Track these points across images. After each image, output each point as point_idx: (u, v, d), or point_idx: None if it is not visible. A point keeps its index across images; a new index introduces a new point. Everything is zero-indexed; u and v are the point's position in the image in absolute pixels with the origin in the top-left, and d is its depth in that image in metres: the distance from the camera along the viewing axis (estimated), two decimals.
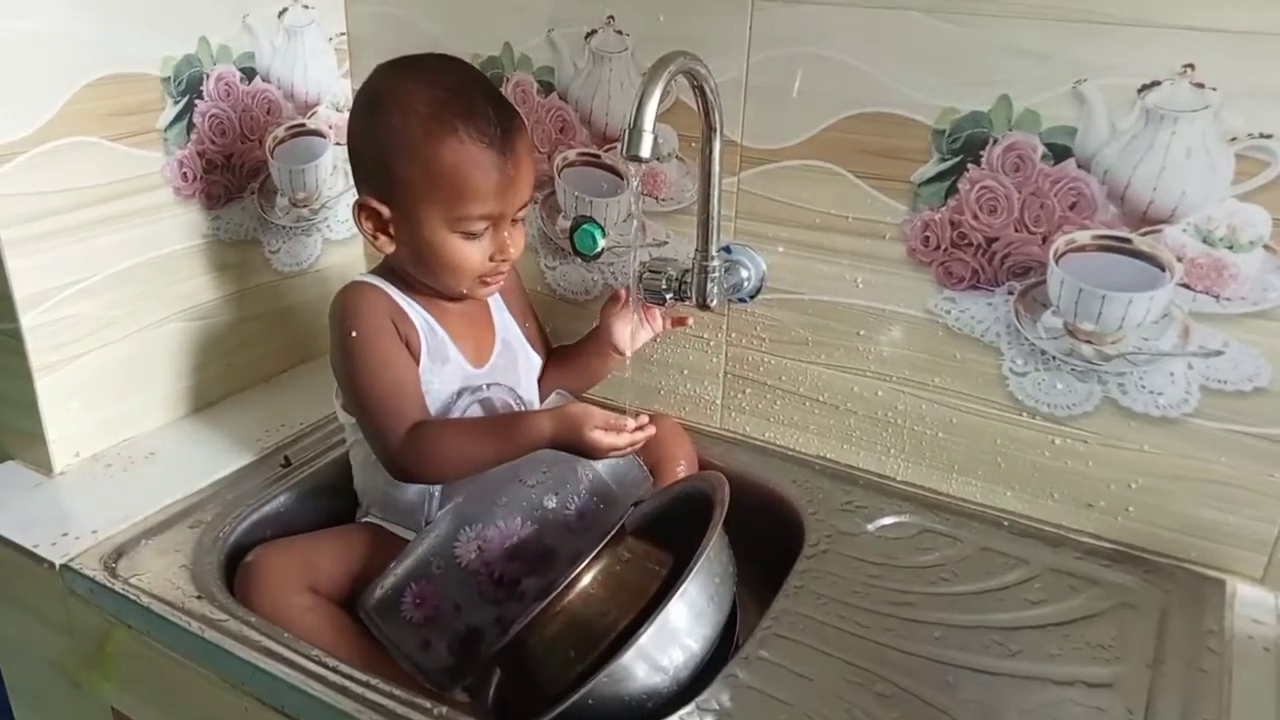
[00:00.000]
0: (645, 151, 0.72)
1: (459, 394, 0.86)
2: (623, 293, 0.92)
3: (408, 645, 0.78)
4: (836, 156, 0.86)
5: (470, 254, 0.81)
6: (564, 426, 0.79)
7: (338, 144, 1.12)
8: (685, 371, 1.02)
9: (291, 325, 1.12)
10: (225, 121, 0.99)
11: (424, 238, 0.80)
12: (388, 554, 0.84)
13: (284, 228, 1.08)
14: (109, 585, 0.78)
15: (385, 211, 0.81)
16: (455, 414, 0.85)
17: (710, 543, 0.71)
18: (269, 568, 0.80)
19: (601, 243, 1.01)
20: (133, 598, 0.76)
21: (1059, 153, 0.76)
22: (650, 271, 0.90)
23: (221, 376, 1.05)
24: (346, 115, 1.11)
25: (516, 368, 0.92)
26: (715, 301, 0.87)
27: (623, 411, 0.80)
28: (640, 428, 0.80)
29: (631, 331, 0.92)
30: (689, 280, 0.88)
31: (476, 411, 0.87)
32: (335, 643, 0.78)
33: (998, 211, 0.80)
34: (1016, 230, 0.80)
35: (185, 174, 0.96)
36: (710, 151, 0.82)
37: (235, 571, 0.82)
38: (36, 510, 0.87)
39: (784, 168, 0.88)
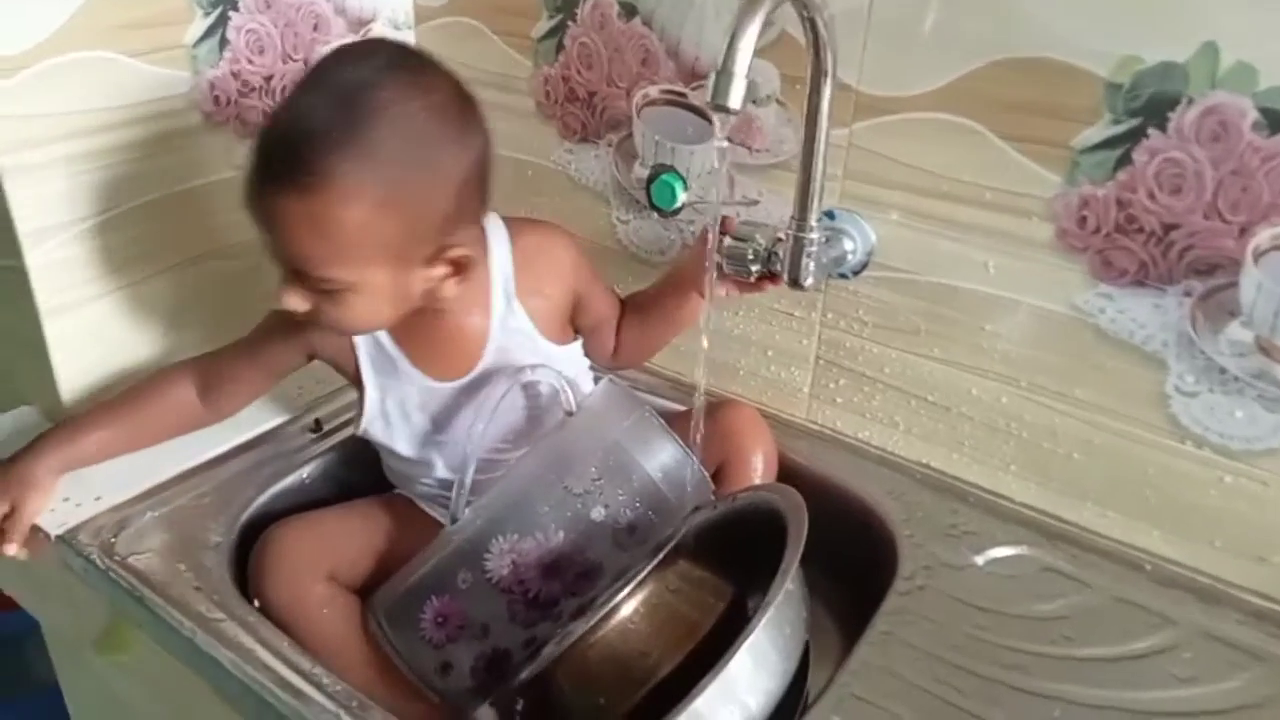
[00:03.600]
0: (735, 101, 0.58)
1: (493, 376, 0.74)
2: (732, 220, 0.77)
3: (424, 666, 0.68)
4: (976, 111, 0.69)
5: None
6: None
7: None
8: (770, 352, 0.88)
9: None
10: (265, 38, 0.87)
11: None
12: (417, 536, 0.74)
13: None
14: (103, 566, 0.69)
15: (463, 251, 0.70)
16: (491, 401, 0.72)
17: (784, 586, 0.58)
18: (285, 551, 0.72)
19: (682, 197, 0.87)
20: (125, 585, 0.68)
21: (1277, 121, 0.59)
22: (736, 239, 0.75)
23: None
24: (406, 34, 0.99)
25: (518, 375, 0.75)
26: (811, 280, 0.73)
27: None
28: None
29: (710, 282, 0.77)
30: (781, 252, 0.73)
31: (516, 397, 0.75)
32: (349, 644, 0.70)
33: (1183, 192, 0.63)
34: (1206, 217, 0.63)
35: (218, 97, 0.85)
36: (818, 99, 0.67)
37: (250, 550, 0.74)
38: None
39: (908, 121, 0.72)
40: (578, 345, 0.81)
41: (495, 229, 0.75)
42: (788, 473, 0.82)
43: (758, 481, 0.81)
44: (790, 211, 0.71)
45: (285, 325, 0.76)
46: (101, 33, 0.75)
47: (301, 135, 0.61)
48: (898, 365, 0.80)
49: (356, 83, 0.62)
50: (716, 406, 0.82)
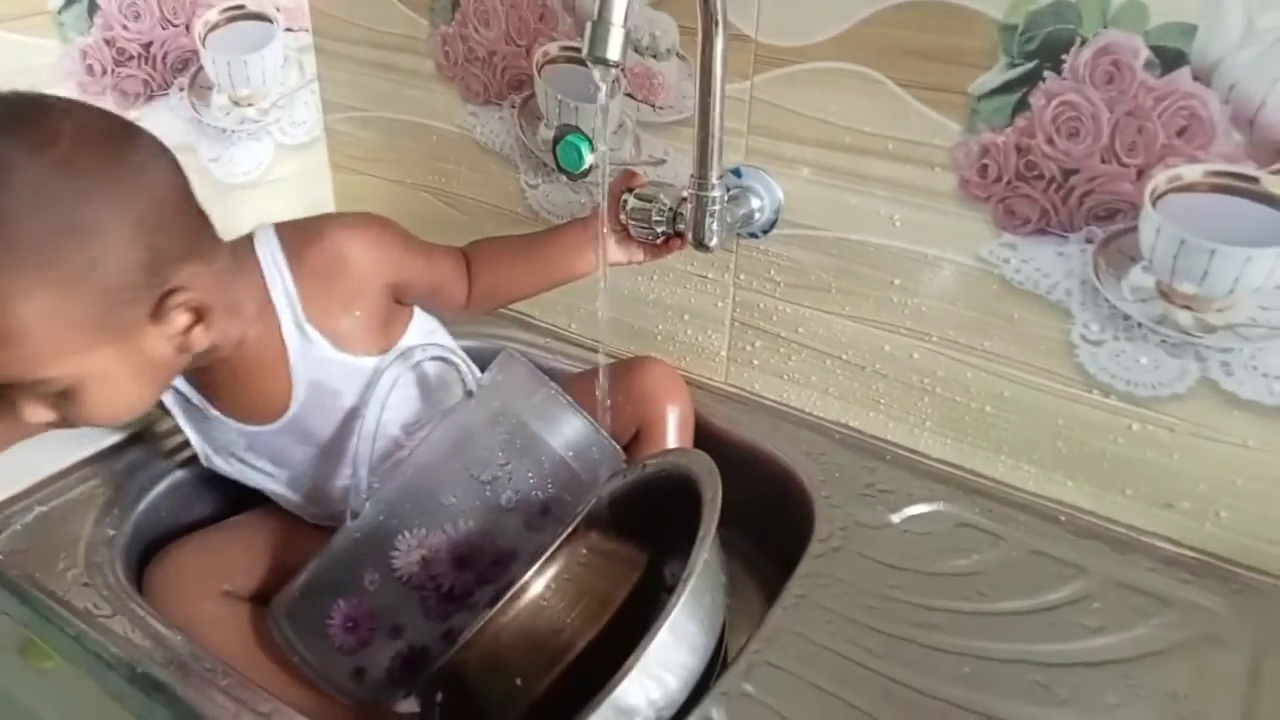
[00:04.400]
0: (615, 53, 0.56)
1: (285, 449, 0.71)
2: (639, 175, 0.74)
3: (338, 675, 0.66)
4: (874, 58, 0.67)
5: None
6: None
7: (289, 30, 0.95)
8: (686, 315, 0.86)
9: None
10: (139, 2, 0.82)
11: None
12: (313, 540, 0.71)
13: (224, 131, 0.93)
14: None
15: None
16: (383, 390, 0.69)
17: (702, 556, 0.56)
18: (175, 572, 0.70)
19: (589, 159, 0.84)
20: (8, 586, 0.65)
21: (1169, 60, 0.57)
22: (640, 199, 0.73)
23: None
24: None
25: (339, 400, 0.69)
26: (716, 240, 0.71)
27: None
28: None
29: (602, 242, 0.73)
30: (685, 212, 0.71)
31: (409, 380, 0.72)
32: (251, 657, 0.68)
33: (1080, 136, 0.61)
34: (1104, 161, 0.61)
35: (91, 66, 0.80)
36: (711, 50, 0.64)
37: (146, 550, 0.71)
38: None
39: (809, 71, 0.70)
40: (412, 327, 0.74)
41: (267, 250, 0.66)
42: (707, 437, 0.81)
43: (673, 440, 0.79)
44: (690, 166, 0.69)
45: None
46: None
47: None
48: (811, 325, 0.79)
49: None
50: (628, 363, 0.80)
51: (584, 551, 0.62)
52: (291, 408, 0.68)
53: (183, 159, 0.88)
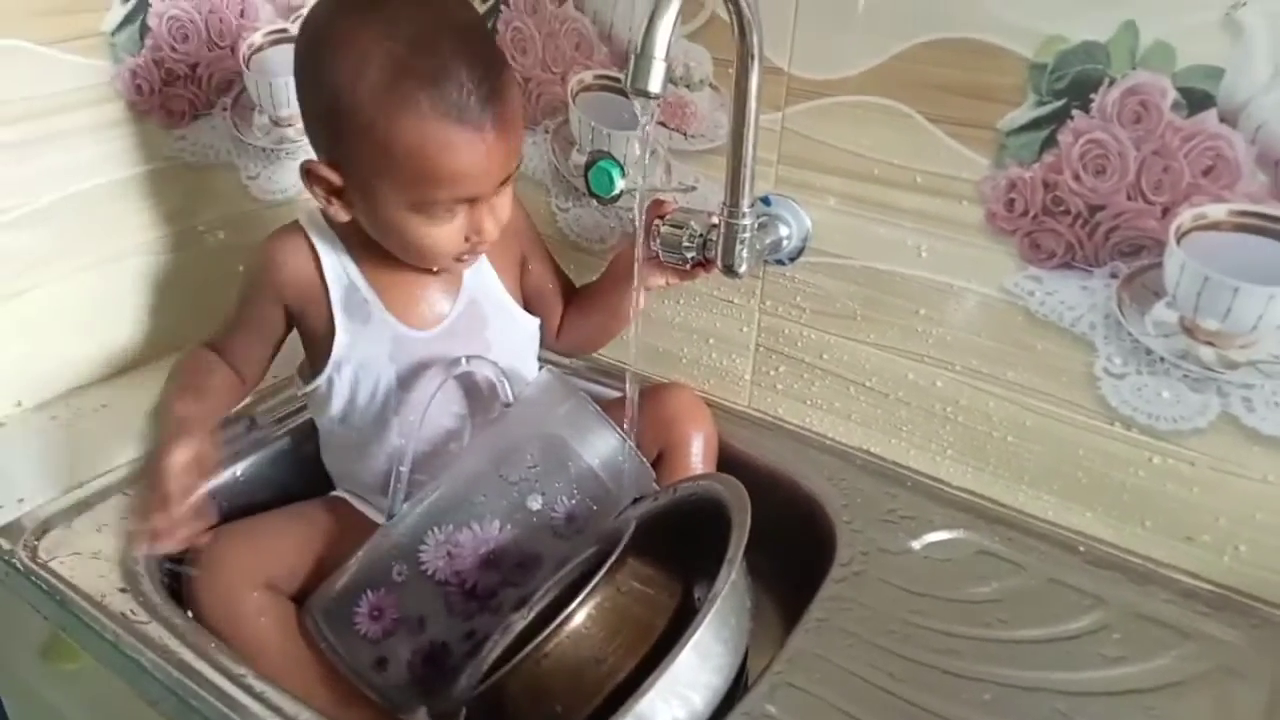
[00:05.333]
0: (656, 85, 0.57)
1: (426, 364, 0.74)
2: (669, 202, 0.76)
3: (360, 661, 0.67)
4: (905, 93, 0.69)
5: (439, 236, 0.67)
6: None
7: None
8: (711, 339, 0.87)
9: None
10: (188, 25, 0.85)
11: (383, 217, 0.67)
12: (356, 537, 0.73)
13: (264, 150, 0.95)
14: (23, 569, 0.68)
15: (335, 179, 0.67)
16: (427, 390, 0.72)
17: (729, 578, 0.57)
18: (218, 561, 0.70)
19: (620, 184, 0.86)
20: (45, 588, 0.66)
21: (1196, 101, 0.59)
22: (670, 225, 0.75)
23: (188, 318, 0.93)
24: None
25: (485, 331, 0.77)
26: (745, 267, 0.72)
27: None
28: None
29: (638, 269, 0.76)
30: (715, 238, 0.73)
31: (453, 390, 0.74)
32: (286, 652, 0.69)
33: (1107, 173, 0.63)
34: (1129, 198, 0.63)
35: (140, 86, 0.83)
36: (746, 83, 0.66)
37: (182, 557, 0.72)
38: None
39: (840, 104, 0.72)
40: (535, 322, 0.81)
41: None
42: (730, 460, 0.82)
43: (697, 464, 0.80)
44: (721, 194, 0.71)
45: (256, 284, 0.74)
46: (10, 20, 0.73)
47: (471, 34, 0.65)
48: (836, 351, 0.80)
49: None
50: (655, 389, 0.82)
51: (624, 579, 0.63)
52: (451, 314, 0.75)
53: (224, 177, 0.92)
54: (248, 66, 0.90)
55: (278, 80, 0.93)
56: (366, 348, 0.73)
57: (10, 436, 0.81)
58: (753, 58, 0.65)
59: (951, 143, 0.68)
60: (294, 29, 0.93)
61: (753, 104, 0.66)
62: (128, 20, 0.80)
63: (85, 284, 0.84)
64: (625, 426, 0.74)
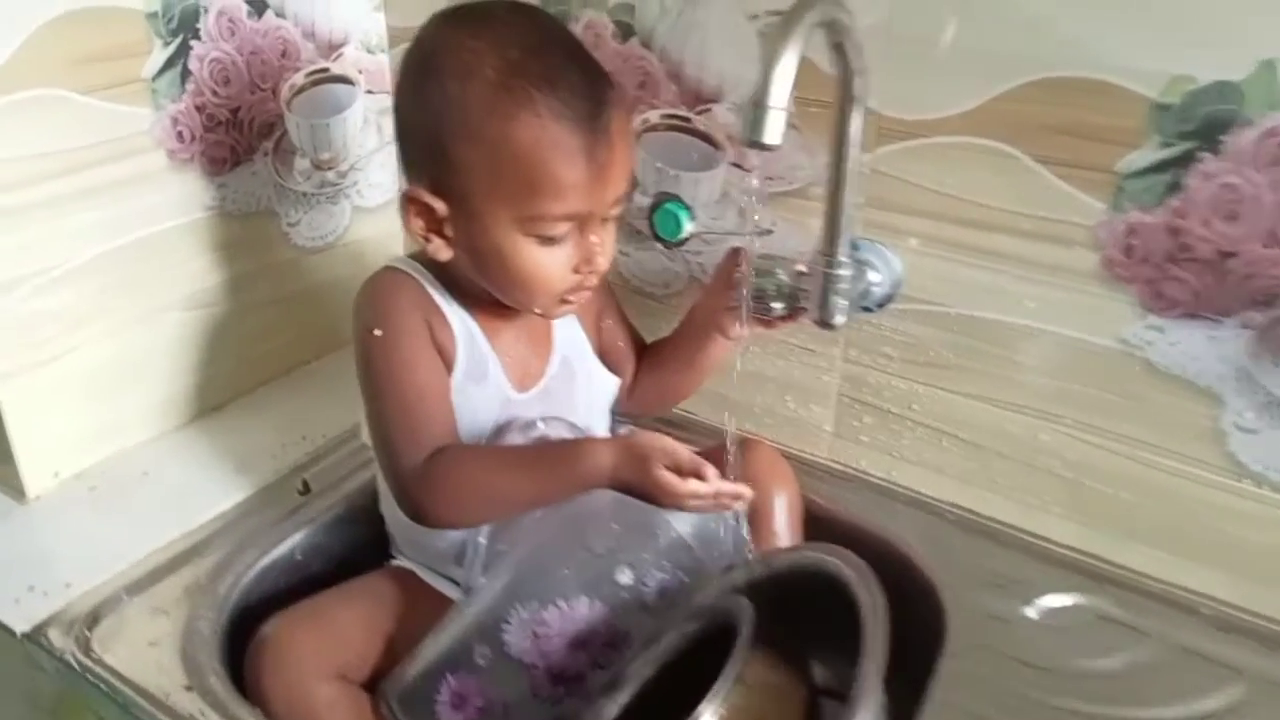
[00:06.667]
0: (774, 136, 0.53)
1: (503, 429, 0.69)
2: (743, 253, 0.71)
3: None
4: (1011, 134, 0.65)
5: (548, 265, 0.63)
6: (626, 461, 0.62)
7: (369, 92, 0.93)
8: (788, 389, 0.83)
9: (315, 309, 0.94)
10: (230, 67, 0.80)
11: (490, 243, 0.62)
12: (428, 613, 0.68)
13: (305, 195, 0.90)
14: (79, 667, 0.62)
15: (440, 207, 0.62)
16: None
17: (875, 679, 0.53)
18: (285, 651, 0.65)
19: (688, 227, 0.82)
20: (105, 688, 0.61)
21: None
22: (758, 272, 0.70)
23: (230, 374, 0.88)
24: (380, 57, 0.93)
25: (574, 391, 0.73)
26: (842, 319, 0.68)
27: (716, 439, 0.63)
28: (725, 489, 0.62)
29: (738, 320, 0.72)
30: (805, 287, 0.68)
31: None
32: None
33: (1240, 219, 0.59)
34: (1265, 246, 0.59)
35: (181, 133, 0.78)
36: (846, 129, 0.62)
37: (242, 640, 0.67)
38: (4, 550, 0.71)
39: (935, 145, 0.68)
40: (616, 381, 0.76)
41: None
42: (812, 518, 0.78)
43: (782, 527, 0.76)
44: (806, 241, 0.67)
45: (413, 331, 0.65)
46: (51, 69, 0.68)
47: (580, 49, 0.62)
48: (927, 402, 0.76)
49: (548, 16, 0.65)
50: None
51: (750, 672, 0.58)
52: (547, 372, 0.71)
53: (264, 225, 0.87)
54: (289, 109, 0.86)
55: (319, 122, 0.89)
56: (475, 410, 0.68)
57: (50, 512, 0.76)
58: (854, 101, 0.61)
59: (1062, 185, 0.64)
60: (335, 68, 0.89)
61: (853, 150, 0.63)
62: (169, 65, 0.75)
63: (123, 344, 0.79)
64: None
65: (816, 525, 0.77)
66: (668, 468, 0.61)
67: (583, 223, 0.62)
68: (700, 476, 0.61)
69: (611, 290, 0.78)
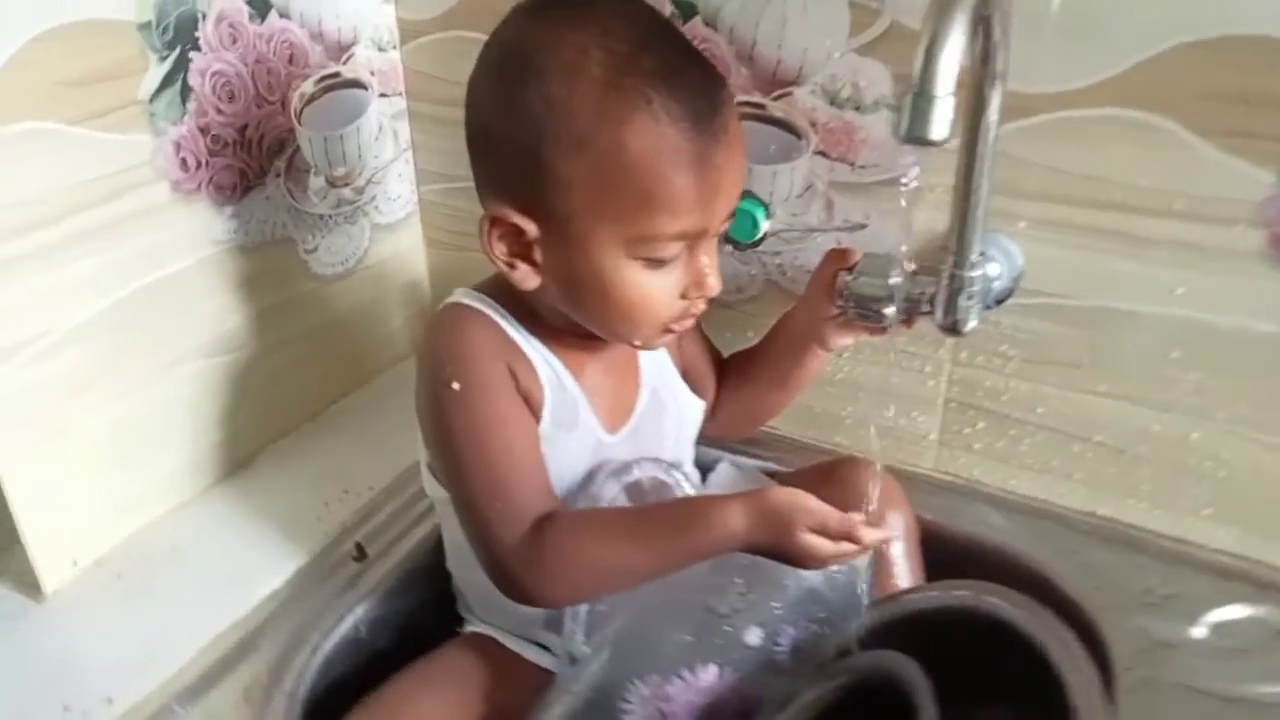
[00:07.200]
0: (940, 131, 0.45)
1: (593, 474, 0.61)
2: (852, 252, 0.62)
3: None
4: (1160, 103, 0.57)
5: (657, 290, 0.54)
6: (763, 524, 0.54)
7: (383, 95, 0.82)
8: (887, 397, 0.75)
9: (338, 343, 0.85)
10: (234, 80, 0.69)
11: (590, 267, 0.53)
12: (522, 689, 0.61)
13: (321, 217, 0.80)
14: None
15: (531, 230, 0.53)
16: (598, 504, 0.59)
17: None
18: None
19: (764, 225, 0.73)
20: None
21: None
22: (864, 277, 0.62)
23: (255, 423, 0.78)
24: (392, 55, 0.83)
25: (663, 424, 0.65)
26: (973, 324, 0.60)
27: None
28: (873, 539, 0.54)
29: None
30: (922, 291, 0.60)
31: (622, 501, 0.61)
32: None
33: None
34: None
35: (185, 160, 0.67)
36: (984, 113, 0.53)
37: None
38: (21, 665, 0.61)
39: (1067, 120, 0.60)
40: (701, 405, 0.68)
41: None
42: (925, 534, 0.70)
43: (899, 558, 0.68)
44: (905, 236, 0.59)
45: (497, 382, 0.57)
46: (36, 97, 0.58)
47: (688, 43, 0.53)
48: (1054, 404, 0.68)
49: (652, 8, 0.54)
50: (829, 467, 0.70)
51: None
52: (637, 409, 0.63)
53: (280, 255, 0.77)
54: (300, 121, 0.75)
55: (333, 134, 0.79)
56: (565, 459, 0.60)
57: (72, 608, 0.65)
58: (996, 79, 0.53)
59: (1225, 158, 0.57)
60: (347, 71, 0.79)
61: (992, 133, 0.54)
62: (167, 82, 0.65)
63: (135, 405, 0.69)
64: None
65: (930, 546, 0.70)
66: (812, 529, 0.53)
67: (694, 242, 0.53)
68: (853, 539, 0.53)
69: None
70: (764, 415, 0.72)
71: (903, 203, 0.57)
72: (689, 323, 0.58)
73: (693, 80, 0.50)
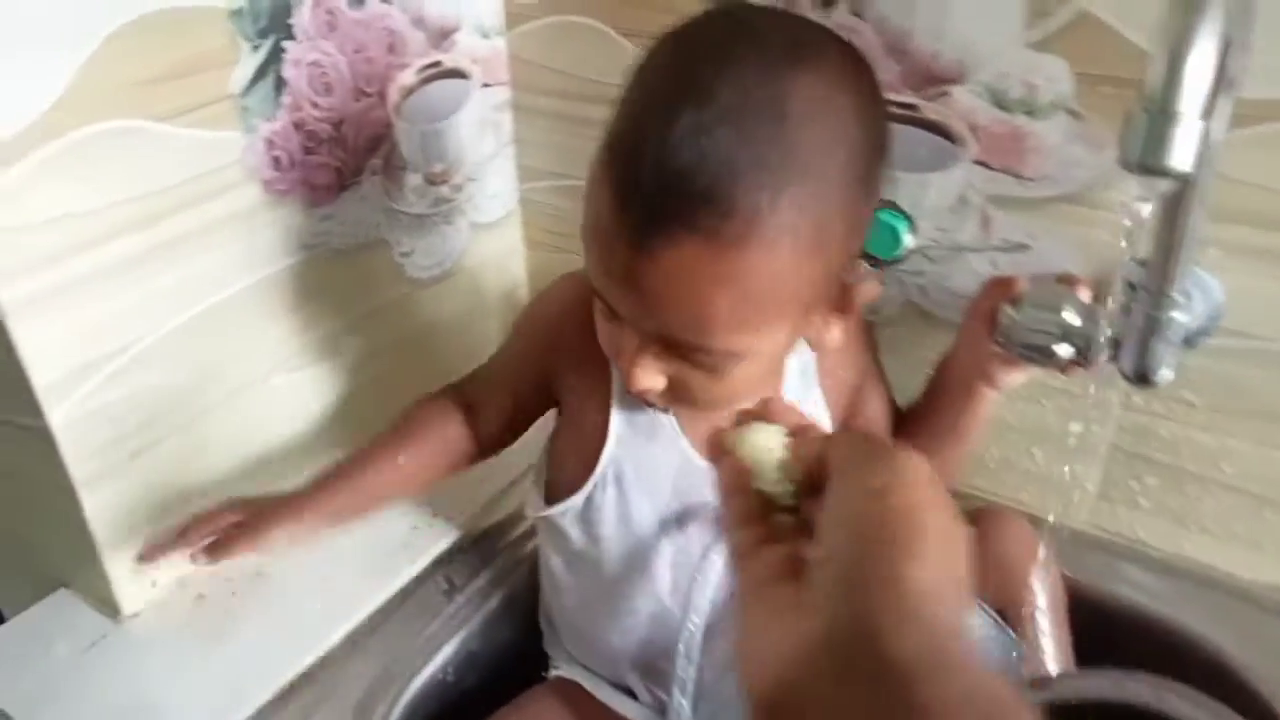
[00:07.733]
0: (1185, 159, 0.36)
1: (698, 511, 0.54)
2: (1017, 281, 0.55)
3: None
4: None
5: (605, 335, 0.50)
6: None
7: (486, 85, 0.76)
8: (1035, 439, 0.66)
9: (433, 352, 0.79)
10: (331, 71, 0.64)
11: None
12: None
13: (418, 217, 0.75)
14: None
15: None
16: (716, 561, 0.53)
17: None
18: None
19: (907, 241, 0.65)
20: None
21: None
22: (1034, 306, 0.54)
23: (344, 439, 0.73)
24: (496, 42, 0.77)
25: None
26: (1169, 374, 0.51)
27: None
28: None
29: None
30: (1104, 331, 0.52)
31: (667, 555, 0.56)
32: None
33: None
34: None
35: (278, 158, 0.62)
36: (1210, 120, 0.44)
37: None
38: (99, 693, 0.58)
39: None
40: None
41: None
42: (1074, 597, 0.62)
43: (1045, 624, 0.60)
44: (1076, 260, 0.53)
45: (531, 337, 0.61)
46: (117, 95, 0.53)
47: (708, 163, 0.40)
48: (1247, 462, 0.59)
49: (763, 78, 0.41)
50: (970, 516, 0.62)
51: None
52: None
53: (373, 258, 0.72)
54: (398, 115, 0.70)
55: (430, 128, 0.73)
56: (645, 466, 0.55)
57: (153, 633, 0.62)
58: (1228, 86, 0.43)
59: None
60: (449, 60, 0.73)
61: (1214, 152, 0.45)
62: (260, 74, 0.60)
63: (219, 421, 0.65)
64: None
65: (1084, 609, 0.61)
66: None
67: (621, 321, 0.46)
68: None
69: (879, 370, 0.62)
70: (944, 474, 0.64)
71: (1123, 243, 0.48)
72: (651, 398, 0.49)
73: (663, 158, 0.40)
